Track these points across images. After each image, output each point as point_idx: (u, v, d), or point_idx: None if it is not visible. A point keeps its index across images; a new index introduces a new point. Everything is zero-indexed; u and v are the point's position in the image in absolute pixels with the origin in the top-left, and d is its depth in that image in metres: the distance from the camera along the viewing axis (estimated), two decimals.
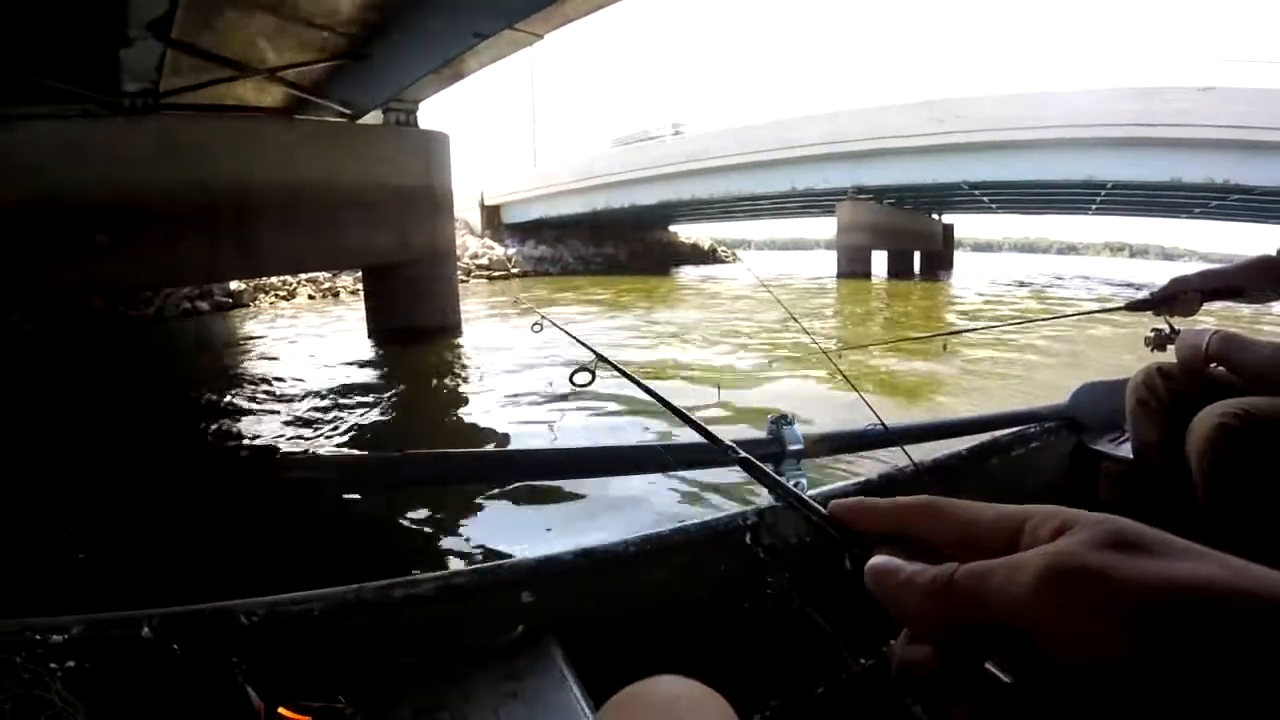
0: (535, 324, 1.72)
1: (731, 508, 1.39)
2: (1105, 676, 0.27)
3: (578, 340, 1.37)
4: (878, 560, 0.35)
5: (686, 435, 1.36)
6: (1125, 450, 2.01)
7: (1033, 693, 0.29)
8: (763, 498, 1.36)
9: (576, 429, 5.59)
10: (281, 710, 0.92)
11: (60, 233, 7.60)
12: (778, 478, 0.51)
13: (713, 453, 1.34)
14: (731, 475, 3.82)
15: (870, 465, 1.71)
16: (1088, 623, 0.28)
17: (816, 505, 0.42)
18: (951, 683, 0.32)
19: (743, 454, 0.61)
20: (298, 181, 9.36)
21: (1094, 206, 31.37)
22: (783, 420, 1.34)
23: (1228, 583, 0.27)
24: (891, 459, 1.65)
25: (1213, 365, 1.69)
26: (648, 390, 1.04)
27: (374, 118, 11.01)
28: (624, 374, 1.19)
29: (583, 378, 1.19)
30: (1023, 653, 0.29)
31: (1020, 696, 0.29)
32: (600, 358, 1.24)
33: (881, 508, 0.38)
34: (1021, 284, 26.05)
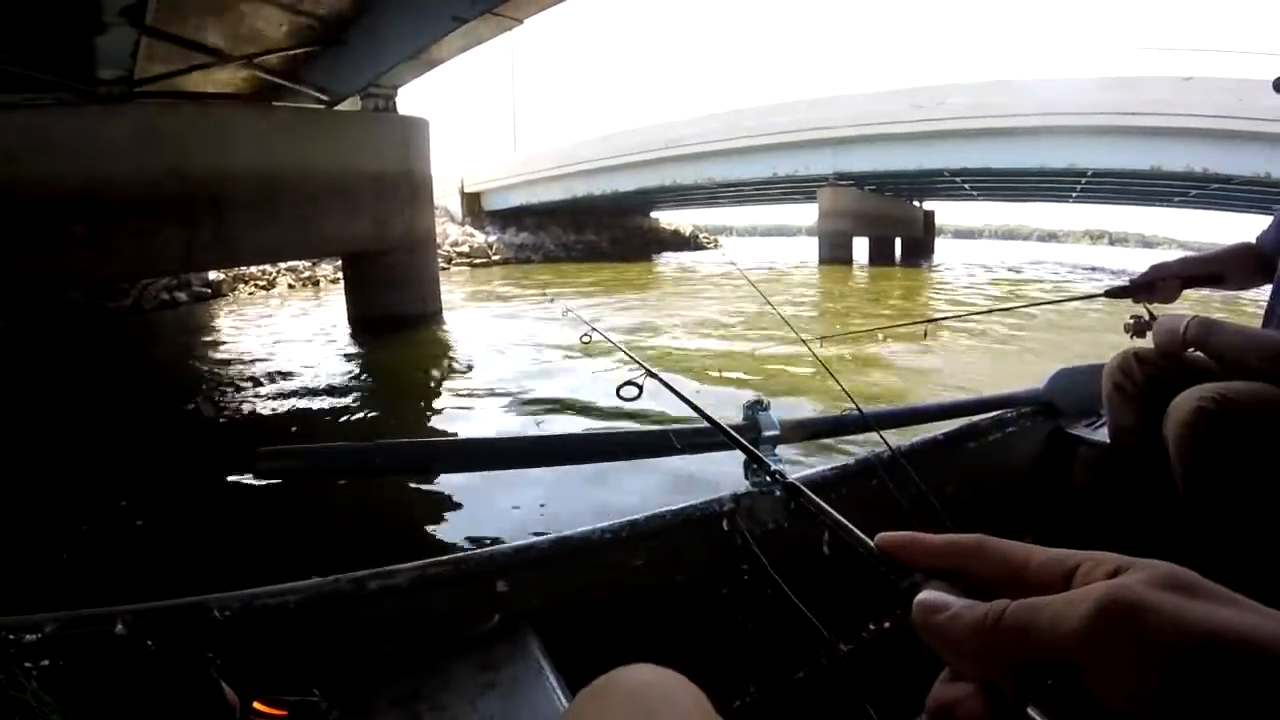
0: (584, 336, 1.70)
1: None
2: (1149, 716, 0.27)
3: (629, 355, 1.36)
4: (926, 595, 0.34)
5: (673, 422, 1.36)
6: (1101, 435, 2.02)
7: None
8: (740, 483, 1.35)
9: (558, 415, 5.59)
10: (257, 704, 0.91)
11: (34, 224, 7.49)
12: (833, 513, 0.47)
13: (707, 437, 1.34)
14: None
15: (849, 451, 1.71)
16: (1141, 660, 0.27)
17: (863, 536, 0.41)
18: None
19: (791, 479, 0.60)
20: (275, 169, 9.27)
21: (1074, 194, 31.54)
22: (758, 405, 1.34)
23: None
24: (869, 444, 1.65)
25: (1190, 350, 1.70)
26: (687, 401, 1.04)
27: (352, 104, 10.93)
28: (668, 387, 1.18)
29: (630, 391, 1.18)
30: (1068, 695, 0.29)
31: None
32: (649, 372, 1.23)
33: (932, 544, 0.38)
34: (1004, 270, 26.21)
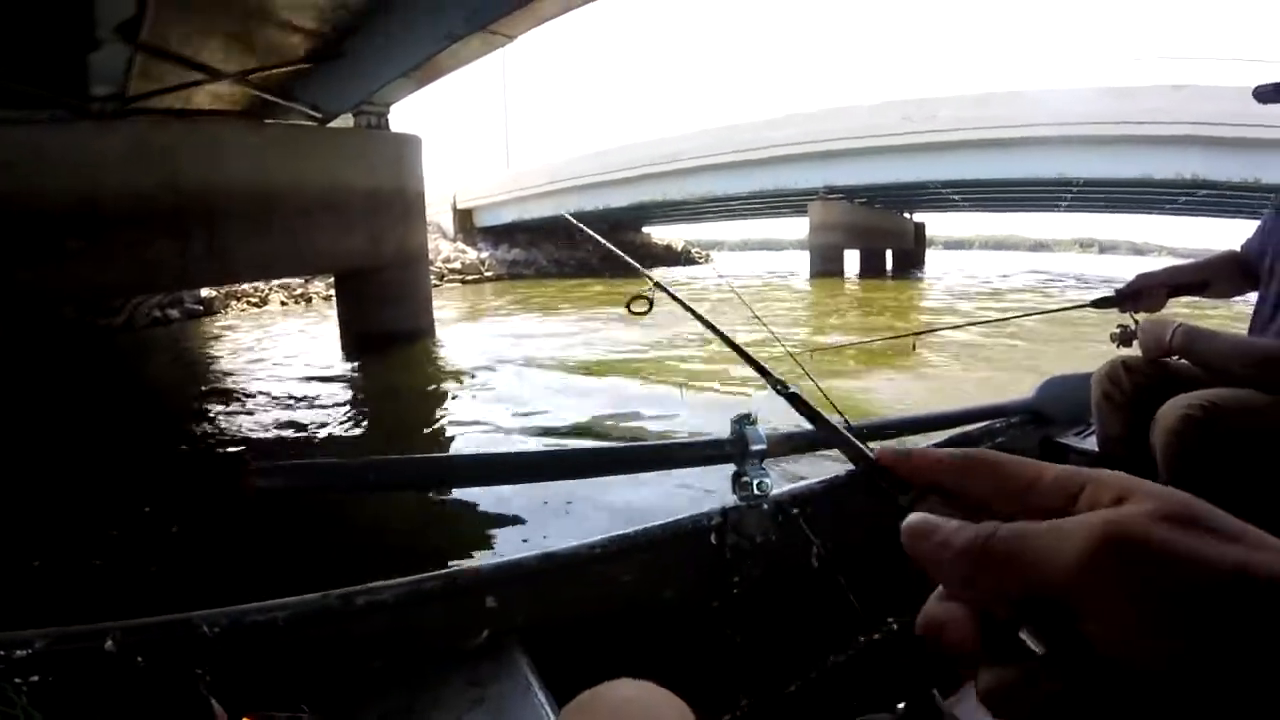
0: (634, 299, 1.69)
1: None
2: (1149, 665, 0.25)
3: (640, 269, 1.35)
4: (914, 518, 0.32)
5: (657, 439, 1.36)
6: (1091, 443, 2.03)
7: (1066, 666, 0.27)
8: (727, 496, 1.35)
9: (549, 430, 5.58)
10: None
11: (27, 238, 7.49)
12: (822, 414, 0.50)
13: (695, 452, 1.34)
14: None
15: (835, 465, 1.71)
16: (1139, 602, 0.25)
17: (863, 447, 0.41)
18: (984, 648, 0.30)
19: (794, 390, 0.61)
20: (268, 185, 9.27)
21: (1064, 204, 31.73)
22: (745, 420, 1.34)
23: None
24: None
25: (1176, 358, 1.71)
26: (701, 318, 1.03)
27: (345, 121, 10.94)
28: (680, 302, 1.18)
29: (641, 305, 1.18)
30: (1064, 623, 0.27)
31: (1052, 668, 0.27)
32: (658, 285, 1.23)
33: (934, 457, 0.36)
34: (995, 280, 26.27)
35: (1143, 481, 0.29)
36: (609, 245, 1.58)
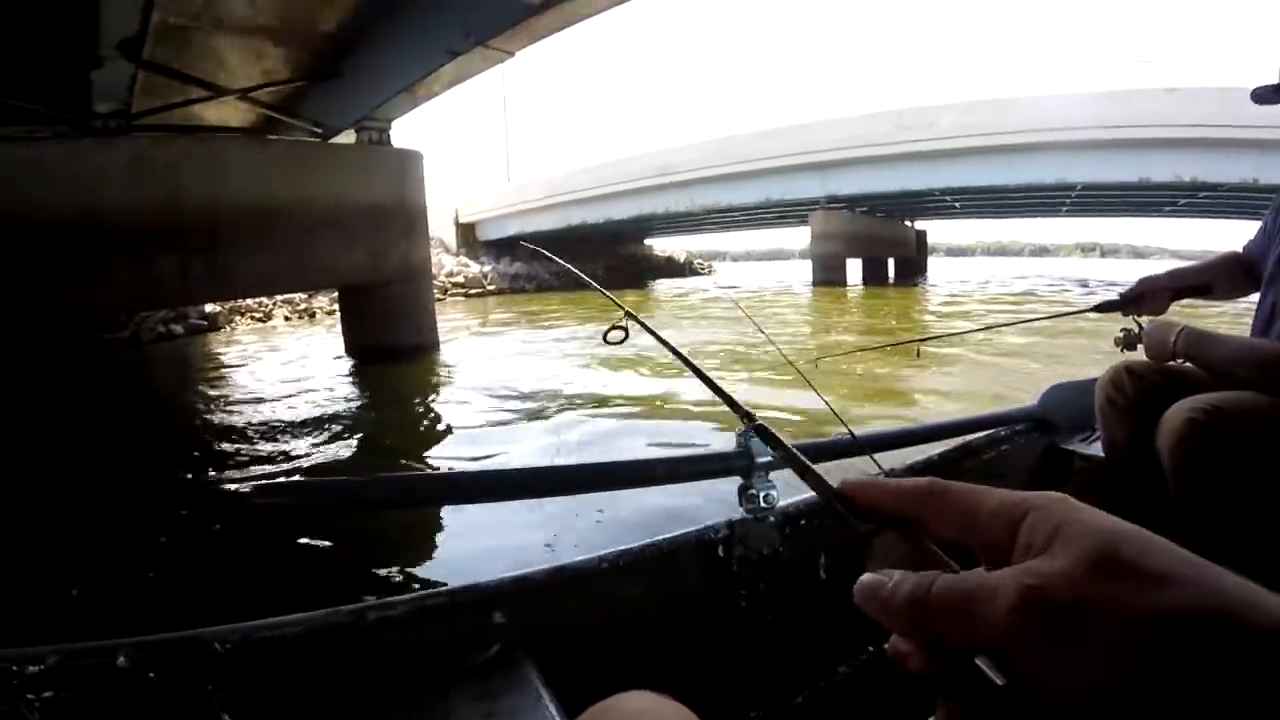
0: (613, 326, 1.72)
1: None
2: (1088, 708, 0.27)
3: (615, 302, 1.36)
4: (861, 580, 0.34)
5: (663, 451, 1.37)
6: (1096, 449, 2.02)
7: (1024, 697, 0.28)
8: (734, 510, 1.35)
9: (553, 447, 5.58)
10: None
11: (29, 255, 7.53)
12: (799, 455, 0.51)
13: (701, 464, 1.35)
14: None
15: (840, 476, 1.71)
16: (1064, 655, 0.27)
17: (828, 482, 0.42)
18: (942, 678, 0.31)
19: (760, 422, 0.62)
20: (270, 202, 9.31)
21: (1065, 208, 31.75)
22: (750, 433, 1.34)
23: (1222, 610, 0.26)
24: (862, 468, 1.65)
25: (1180, 361, 1.71)
26: (676, 352, 1.04)
27: (346, 137, 10.99)
28: (654, 334, 1.19)
29: (616, 335, 1.19)
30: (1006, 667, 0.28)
31: (1012, 698, 0.28)
32: (630, 315, 1.24)
33: (887, 487, 0.38)
34: (998, 286, 26.25)
35: (1079, 512, 0.31)
36: (575, 270, 1.60)
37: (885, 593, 0.33)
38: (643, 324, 1.22)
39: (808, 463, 0.46)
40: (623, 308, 1.26)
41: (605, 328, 1.28)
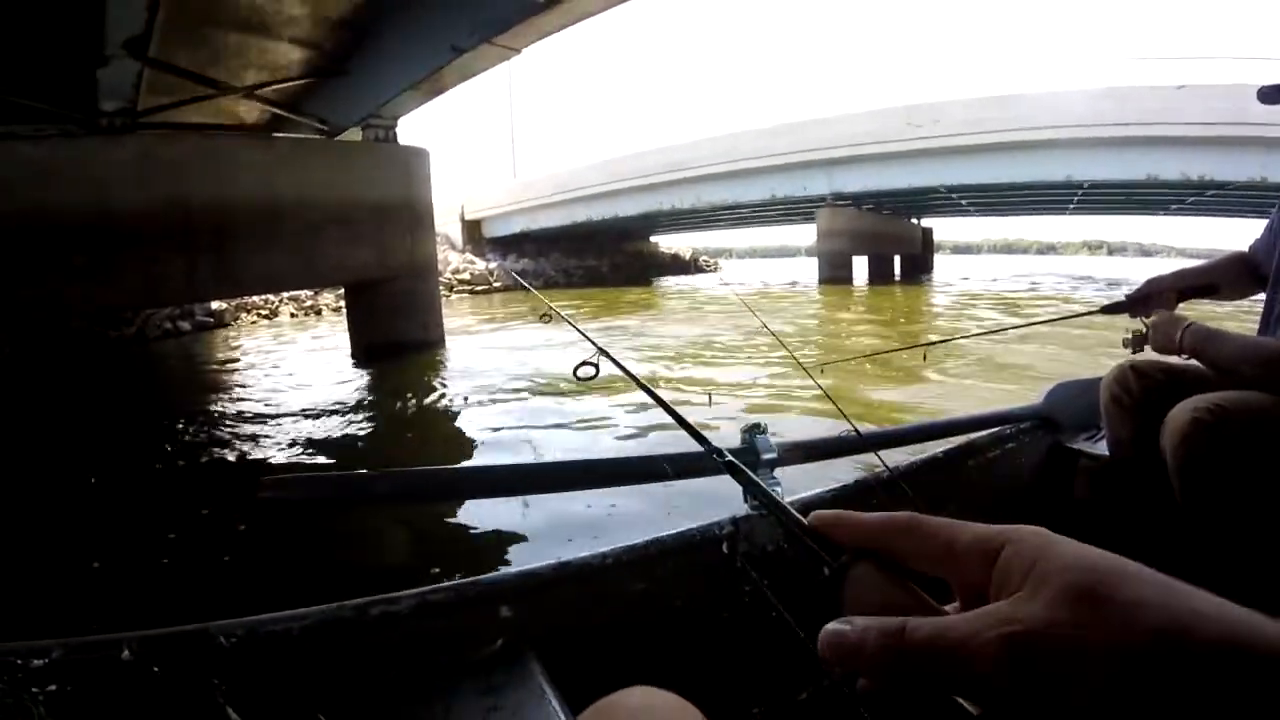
0: (543, 314, 1.74)
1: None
2: None
3: (584, 335, 1.37)
4: (823, 633, 0.33)
5: (667, 448, 1.37)
6: (1101, 448, 2.02)
7: None
8: (739, 507, 1.36)
9: (558, 443, 5.59)
10: None
11: (37, 253, 7.56)
12: (759, 482, 0.52)
13: (696, 462, 1.35)
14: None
15: (845, 473, 1.71)
16: (1052, 697, 0.27)
17: (797, 516, 0.42)
18: (917, 710, 0.32)
19: (729, 458, 0.63)
20: (277, 199, 9.33)
21: (1072, 206, 31.61)
22: (756, 429, 1.34)
23: (1196, 633, 0.26)
24: (868, 465, 1.65)
25: (1185, 358, 1.70)
26: (645, 388, 1.06)
27: (353, 134, 11.00)
28: (624, 370, 1.20)
29: (586, 371, 1.20)
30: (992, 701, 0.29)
31: None
32: (603, 351, 1.25)
33: (861, 522, 0.38)
34: (1005, 285, 26.17)
35: (1055, 545, 0.31)
36: (552, 307, 1.61)
37: (853, 640, 0.32)
38: (614, 361, 1.23)
39: (778, 499, 0.46)
40: (595, 345, 1.27)
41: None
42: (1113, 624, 0.27)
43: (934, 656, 0.30)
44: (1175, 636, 0.26)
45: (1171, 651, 0.26)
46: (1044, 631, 0.28)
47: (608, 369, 1.23)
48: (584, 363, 1.21)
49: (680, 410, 0.89)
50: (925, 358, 6.85)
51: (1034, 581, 0.30)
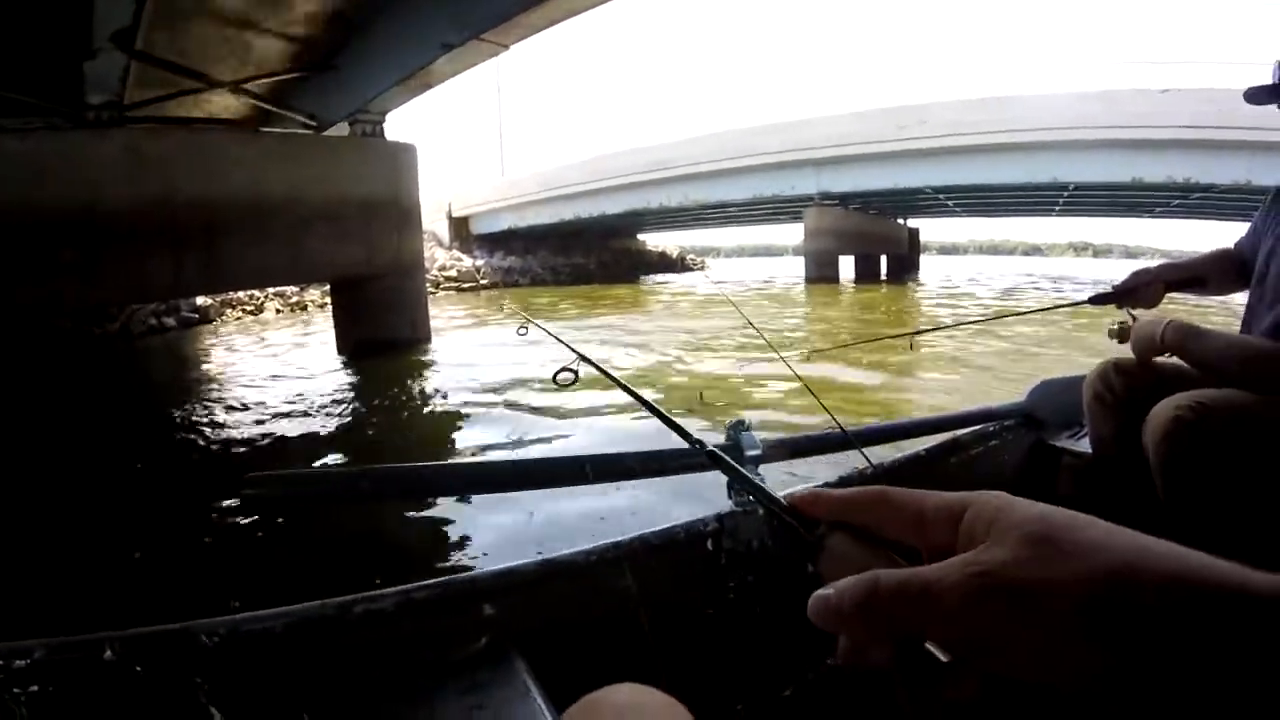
0: (520, 327, 1.75)
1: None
2: (1050, 676, 0.29)
3: (561, 341, 1.38)
4: (814, 596, 0.36)
5: (653, 443, 1.37)
6: (1083, 445, 2.03)
7: (968, 671, 0.30)
8: (723, 503, 1.36)
9: (544, 440, 5.58)
10: None
11: (21, 248, 7.48)
12: (739, 468, 0.55)
13: (683, 458, 1.35)
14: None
15: (828, 471, 1.72)
16: (1021, 636, 0.29)
17: (775, 495, 0.43)
18: (896, 664, 0.33)
19: (710, 448, 0.63)
20: (263, 195, 9.28)
21: (1057, 208, 31.82)
22: (740, 425, 1.35)
23: (1146, 570, 0.28)
24: (851, 462, 1.66)
25: (1168, 356, 1.71)
26: (626, 389, 1.06)
27: (340, 130, 10.95)
28: (605, 373, 1.20)
29: (566, 377, 1.20)
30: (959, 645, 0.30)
31: (956, 675, 0.30)
32: (582, 357, 1.25)
33: (834, 496, 0.40)
34: (991, 285, 26.30)
35: (1010, 506, 0.33)
36: (530, 319, 1.62)
37: (834, 600, 0.34)
38: (594, 364, 1.24)
39: (754, 479, 0.49)
40: (574, 350, 1.28)
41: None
42: (1068, 562, 0.29)
43: (906, 600, 0.32)
44: (1127, 572, 0.28)
45: (1124, 585, 0.28)
46: (1006, 571, 0.30)
47: (587, 372, 1.23)
48: (563, 368, 1.21)
49: (669, 406, 0.89)
50: (913, 346, 6.88)
51: (996, 534, 0.32)
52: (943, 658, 0.30)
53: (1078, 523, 0.31)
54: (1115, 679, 0.27)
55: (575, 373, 1.22)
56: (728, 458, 0.59)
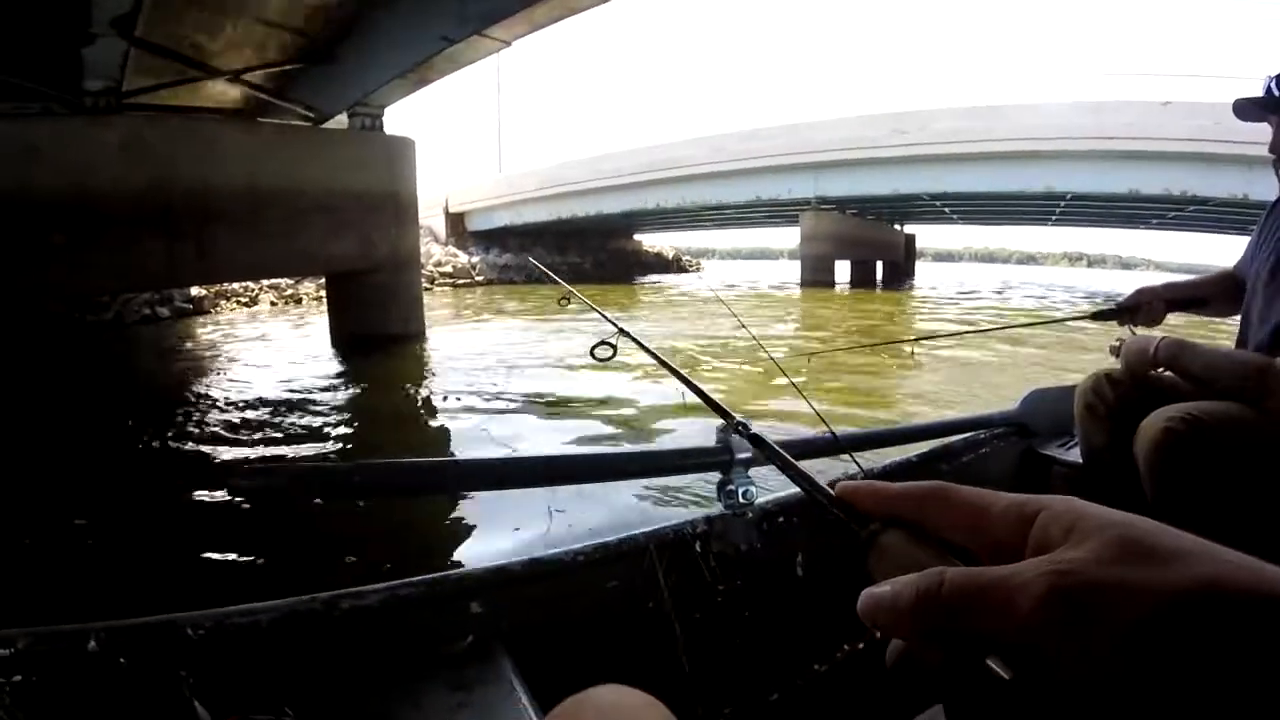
0: (562, 299, 1.81)
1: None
2: (1122, 687, 0.27)
3: (604, 315, 1.37)
4: (866, 592, 0.33)
5: (644, 444, 1.37)
6: (1074, 455, 2.04)
7: (1034, 690, 0.28)
8: (713, 506, 1.36)
9: (535, 438, 5.58)
10: None
11: (15, 233, 7.46)
12: (786, 455, 0.51)
13: (680, 460, 1.35)
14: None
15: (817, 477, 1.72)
16: (1101, 643, 0.27)
17: (825, 486, 0.41)
18: (950, 677, 0.31)
19: (755, 432, 0.63)
20: (260, 185, 9.26)
21: (1053, 217, 31.93)
22: (731, 429, 1.35)
23: (1238, 584, 0.26)
24: (841, 467, 1.66)
25: (1161, 370, 1.72)
26: (666, 364, 1.05)
27: (339, 122, 10.92)
28: (643, 347, 1.20)
29: (604, 352, 1.19)
30: (1025, 655, 0.28)
31: (1020, 693, 0.28)
32: (622, 331, 1.24)
33: (890, 491, 0.38)
34: (987, 292, 26.36)
35: (1090, 509, 0.31)
36: (580, 296, 1.64)
37: (889, 597, 0.32)
38: (635, 340, 1.23)
39: (801, 467, 0.46)
40: (615, 324, 1.27)
41: (593, 342, 1.29)
42: (1156, 570, 0.27)
43: (975, 598, 0.30)
44: (1214, 584, 0.27)
45: (1210, 597, 0.26)
46: (1090, 573, 0.28)
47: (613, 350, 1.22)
48: (602, 342, 1.21)
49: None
50: (912, 353, 6.87)
51: (1078, 536, 0.30)
52: (1004, 674, 0.28)
53: (1167, 530, 0.29)
54: (1180, 690, 0.26)
55: (614, 346, 1.21)
56: (772, 443, 0.58)
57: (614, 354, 1.21)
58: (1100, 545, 0.29)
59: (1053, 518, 0.32)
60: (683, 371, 1.00)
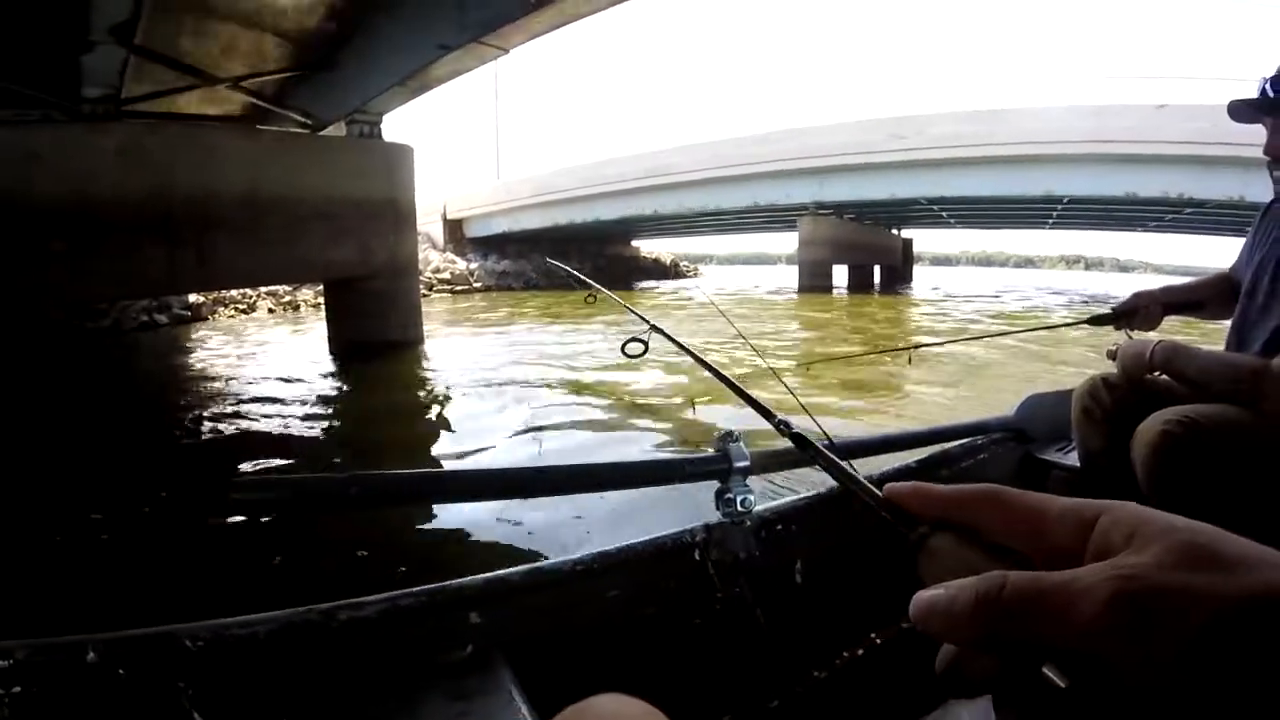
0: (589, 295, 1.82)
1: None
2: (1185, 694, 0.27)
3: (633, 312, 1.37)
4: (919, 595, 0.33)
5: (642, 454, 1.37)
6: (1072, 459, 2.04)
7: (1091, 699, 0.28)
8: (711, 514, 1.36)
9: (534, 446, 5.57)
10: None
11: (15, 239, 7.45)
12: (832, 456, 0.51)
13: (679, 469, 1.35)
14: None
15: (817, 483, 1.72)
16: (1165, 649, 0.27)
17: (872, 488, 0.41)
18: (1004, 684, 0.31)
19: (797, 430, 0.62)
20: (259, 193, 9.26)
21: (1051, 221, 31.98)
22: (729, 437, 1.35)
23: None
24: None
25: (1158, 374, 1.72)
26: (701, 361, 1.05)
27: (338, 129, 10.93)
28: (677, 343, 1.19)
29: (635, 348, 1.19)
30: (1085, 662, 0.28)
31: (1077, 702, 0.28)
32: (654, 328, 1.24)
33: (939, 493, 0.38)
34: (984, 297, 26.35)
35: (1153, 514, 0.31)
36: (608, 293, 1.65)
37: (944, 600, 0.32)
38: (669, 336, 1.23)
39: (852, 470, 0.46)
40: (647, 321, 1.27)
41: (624, 339, 1.28)
42: (1220, 576, 0.27)
43: (1037, 603, 0.29)
44: (1277, 591, 0.26)
45: (1276, 604, 0.26)
46: (1154, 578, 0.28)
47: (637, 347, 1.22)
48: (633, 339, 1.20)
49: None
50: (910, 360, 6.85)
51: (1141, 540, 0.30)
52: (1060, 683, 0.28)
53: (1230, 537, 0.29)
54: (1243, 697, 0.26)
55: (645, 343, 1.21)
56: (818, 444, 0.58)
57: (645, 350, 1.20)
58: (1164, 550, 0.29)
59: (1114, 523, 0.32)
60: (728, 373, 1.00)
